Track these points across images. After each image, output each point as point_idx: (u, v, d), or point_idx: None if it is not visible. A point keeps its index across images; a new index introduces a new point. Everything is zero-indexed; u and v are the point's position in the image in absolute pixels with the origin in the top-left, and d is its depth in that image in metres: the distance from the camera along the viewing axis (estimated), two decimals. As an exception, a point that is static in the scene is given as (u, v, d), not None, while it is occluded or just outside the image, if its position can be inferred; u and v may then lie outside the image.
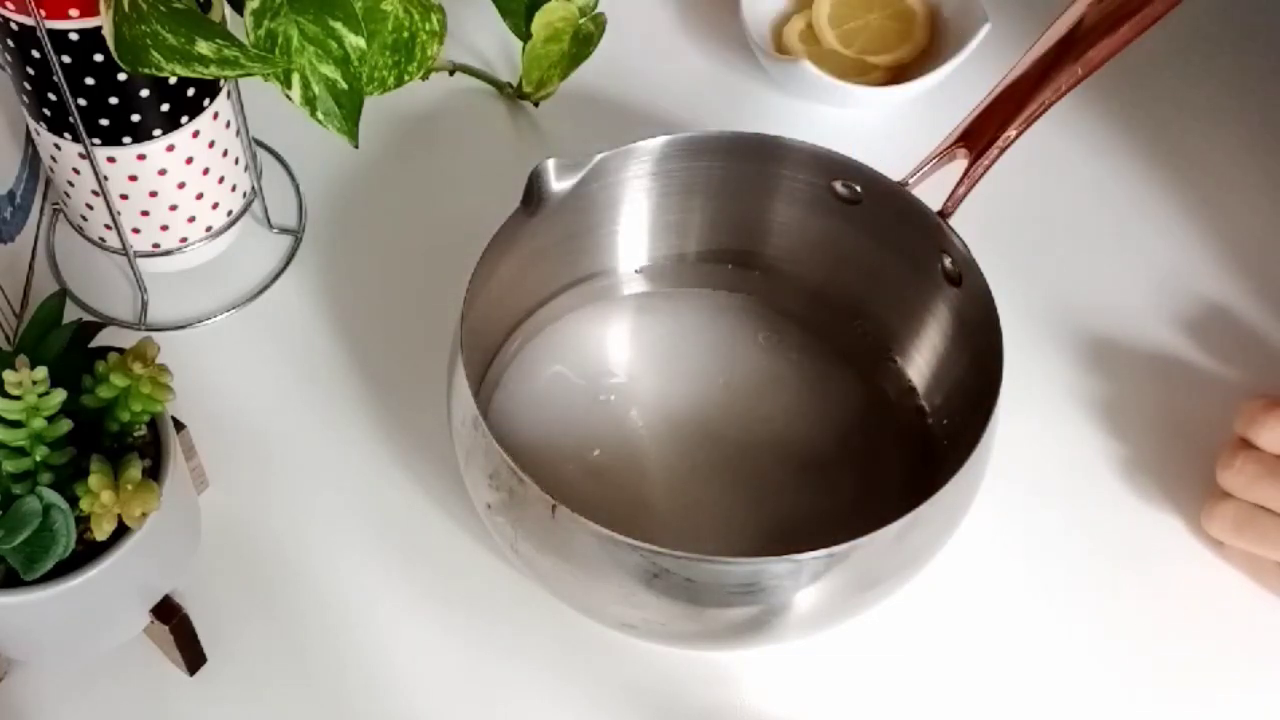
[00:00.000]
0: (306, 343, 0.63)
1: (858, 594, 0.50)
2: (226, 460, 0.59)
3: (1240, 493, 0.55)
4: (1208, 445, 0.58)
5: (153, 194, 0.59)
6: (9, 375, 0.44)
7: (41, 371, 0.45)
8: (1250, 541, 0.55)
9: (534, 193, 0.55)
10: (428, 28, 0.59)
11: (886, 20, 0.73)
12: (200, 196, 0.61)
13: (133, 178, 0.58)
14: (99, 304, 0.64)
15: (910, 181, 0.56)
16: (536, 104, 0.71)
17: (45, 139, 0.58)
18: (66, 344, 0.49)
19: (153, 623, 0.52)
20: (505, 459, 0.48)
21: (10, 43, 0.54)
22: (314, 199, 0.68)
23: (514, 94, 0.72)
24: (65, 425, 0.47)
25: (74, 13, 0.51)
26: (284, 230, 0.67)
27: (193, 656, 0.53)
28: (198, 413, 0.57)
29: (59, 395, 0.46)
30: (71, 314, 0.62)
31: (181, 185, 0.59)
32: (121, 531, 0.47)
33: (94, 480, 0.46)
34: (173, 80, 0.56)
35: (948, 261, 0.55)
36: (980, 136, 0.55)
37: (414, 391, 0.61)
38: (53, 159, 0.59)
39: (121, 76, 0.54)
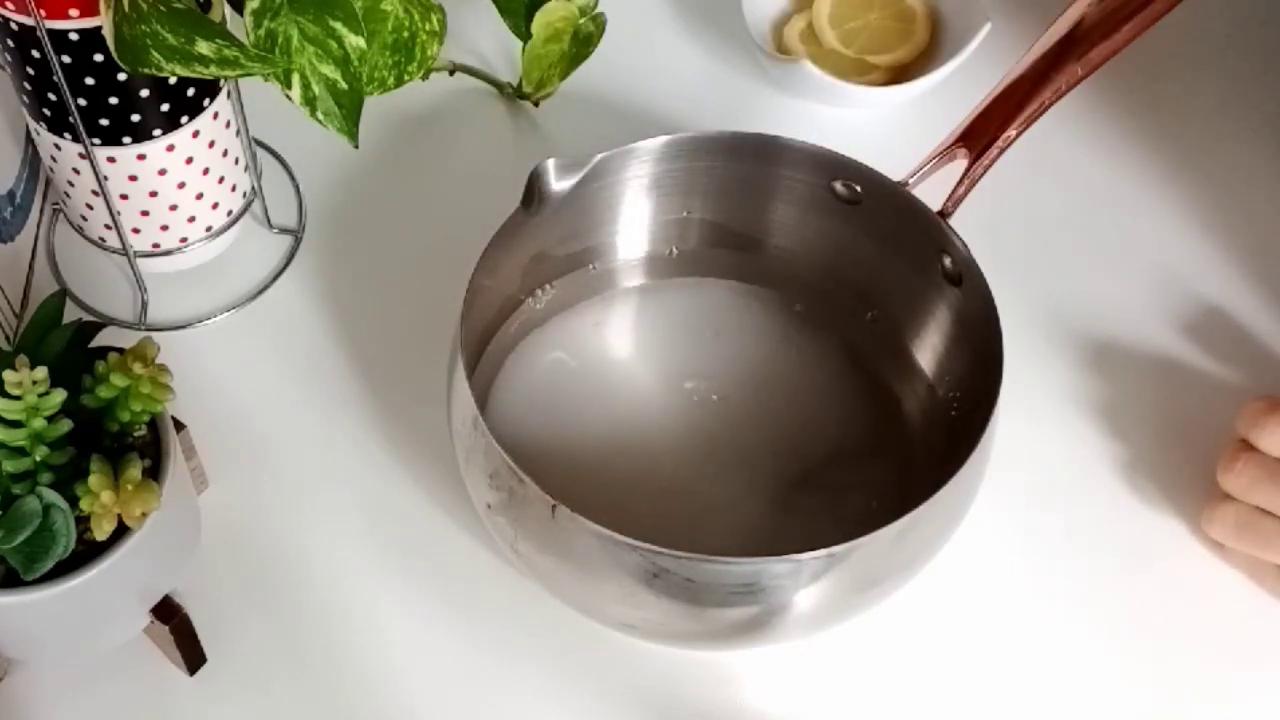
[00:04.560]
0: (306, 343, 0.63)
1: (858, 594, 0.50)
2: (226, 460, 0.59)
3: (1241, 495, 0.55)
4: (1208, 447, 0.58)
5: (153, 194, 0.59)
6: (9, 375, 0.44)
7: (41, 371, 0.45)
8: (1251, 544, 0.55)
9: (534, 193, 0.55)
10: (428, 28, 0.59)
11: (887, 20, 0.73)
12: (200, 196, 0.61)
13: (133, 178, 0.58)
14: (99, 304, 0.64)
15: (910, 181, 0.56)
16: (536, 104, 0.71)
17: (45, 139, 0.58)
18: (66, 344, 0.49)
19: (153, 623, 0.52)
20: (505, 459, 0.48)
21: (10, 43, 0.54)
22: (314, 199, 0.68)
23: (514, 94, 0.72)
24: (65, 425, 0.47)
25: (74, 13, 0.51)
26: (284, 230, 0.67)
27: (193, 656, 0.53)
28: (198, 413, 0.57)
29: (59, 395, 0.46)
30: (71, 314, 0.62)
31: (181, 185, 0.59)
32: (121, 531, 0.47)
33: (94, 480, 0.46)
34: (173, 80, 0.56)
35: (948, 261, 0.55)
36: (980, 136, 0.55)
37: (414, 391, 0.61)
38: (53, 159, 0.59)
39: (121, 76, 0.54)
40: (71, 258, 0.65)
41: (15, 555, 0.46)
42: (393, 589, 0.56)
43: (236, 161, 0.62)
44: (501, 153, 0.71)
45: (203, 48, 0.49)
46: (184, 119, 0.57)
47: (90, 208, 0.60)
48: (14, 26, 0.53)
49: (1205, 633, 0.56)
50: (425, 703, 0.54)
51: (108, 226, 0.60)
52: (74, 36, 0.52)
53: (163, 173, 0.58)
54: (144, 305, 0.63)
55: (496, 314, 0.59)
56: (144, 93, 0.55)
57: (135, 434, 0.50)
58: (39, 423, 0.46)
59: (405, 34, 0.58)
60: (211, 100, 0.58)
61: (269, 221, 0.66)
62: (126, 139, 0.56)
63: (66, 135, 0.57)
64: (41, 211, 0.66)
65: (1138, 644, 0.56)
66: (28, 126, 0.60)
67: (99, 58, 0.53)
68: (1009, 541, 0.58)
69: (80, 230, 0.62)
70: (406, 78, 0.60)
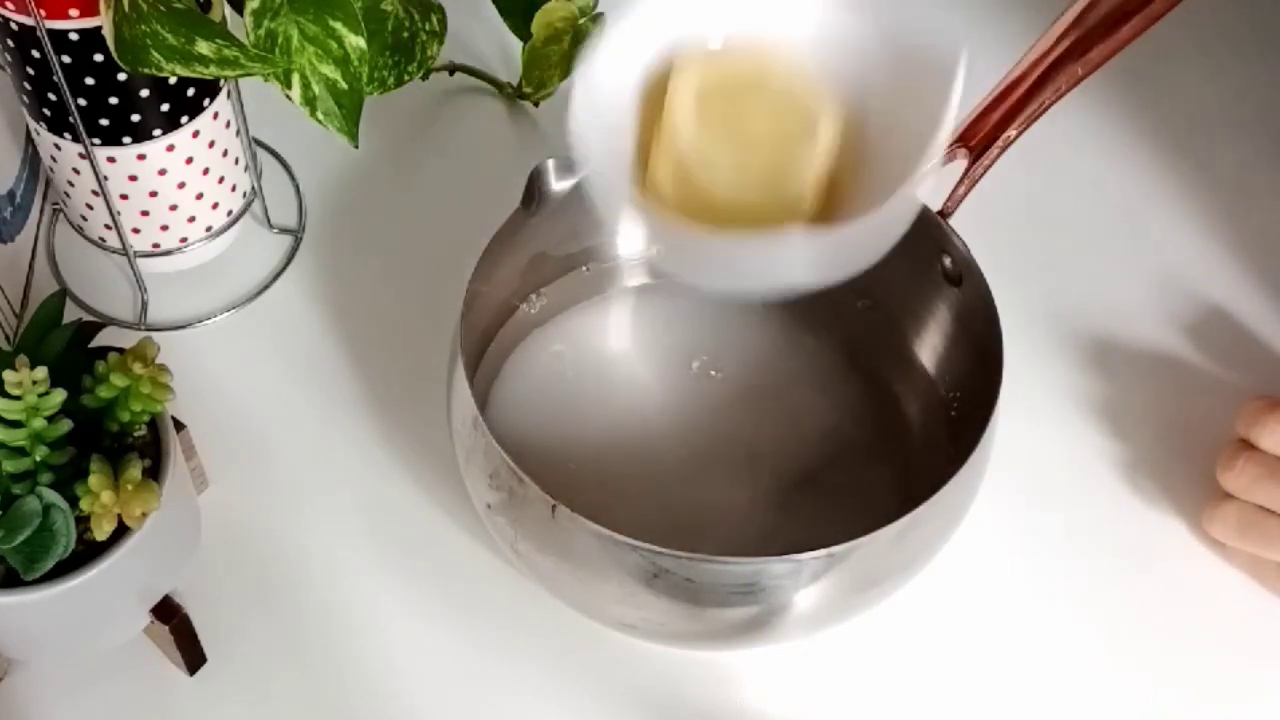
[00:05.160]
0: (306, 343, 0.63)
1: (858, 594, 0.50)
2: (226, 460, 0.59)
3: (1242, 494, 0.55)
4: (1209, 447, 0.58)
5: (153, 194, 0.59)
6: (9, 375, 0.44)
7: (41, 371, 0.45)
8: (1252, 543, 0.55)
9: (534, 192, 0.55)
10: (428, 28, 0.59)
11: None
12: (200, 196, 0.61)
13: (133, 178, 0.58)
14: (99, 304, 0.64)
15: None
16: (536, 104, 0.71)
17: (45, 139, 0.58)
18: (66, 344, 0.49)
19: (153, 623, 0.52)
20: (505, 459, 0.48)
21: (10, 43, 0.54)
22: (314, 199, 0.68)
23: (514, 94, 0.72)
24: (65, 425, 0.47)
25: (74, 13, 0.51)
26: (284, 230, 0.67)
27: (193, 656, 0.53)
28: (198, 413, 0.57)
29: (59, 395, 0.46)
30: (71, 314, 0.62)
31: (181, 185, 0.59)
32: (121, 531, 0.47)
33: (94, 480, 0.46)
34: (173, 80, 0.56)
35: (948, 261, 0.55)
36: (980, 136, 0.55)
37: (414, 391, 0.61)
38: (53, 159, 0.59)
39: (121, 76, 0.54)
40: (71, 258, 0.65)
41: (15, 555, 0.46)
42: (393, 589, 0.56)
43: (236, 161, 0.62)
44: (501, 153, 0.71)
45: (203, 48, 0.49)
46: (184, 119, 0.57)
47: (90, 208, 0.60)
48: (14, 26, 0.53)
49: (1207, 632, 0.56)
50: (425, 703, 0.54)
51: (108, 226, 0.60)
52: (74, 36, 0.52)
53: (163, 173, 0.58)
54: (144, 305, 0.63)
55: (496, 314, 0.59)
56: (144, 93, 0.55)
57: (135, 434, 0.50)
58: (39, 423, 0.46)
59: (405, 34, 0.58)
60: (211, 100, 0.58)
61: (269, 221, 0.66)
62: (126, 139, 0.56)
63: (66, 135, 0.57)
64: (41, 211, 0.66)
65: (1139, 644, 0.56)
66: (28, 126, 0.60)
67: (99, 58, 0.53)
68: (1009, 541, 0.58)
69: (80, 230, 0.62)
70: (406, 78, 0.60)
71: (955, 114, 0.44)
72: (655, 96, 0.45)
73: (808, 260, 0.42)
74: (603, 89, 0.44)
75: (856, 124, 0.46)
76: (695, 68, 0.44)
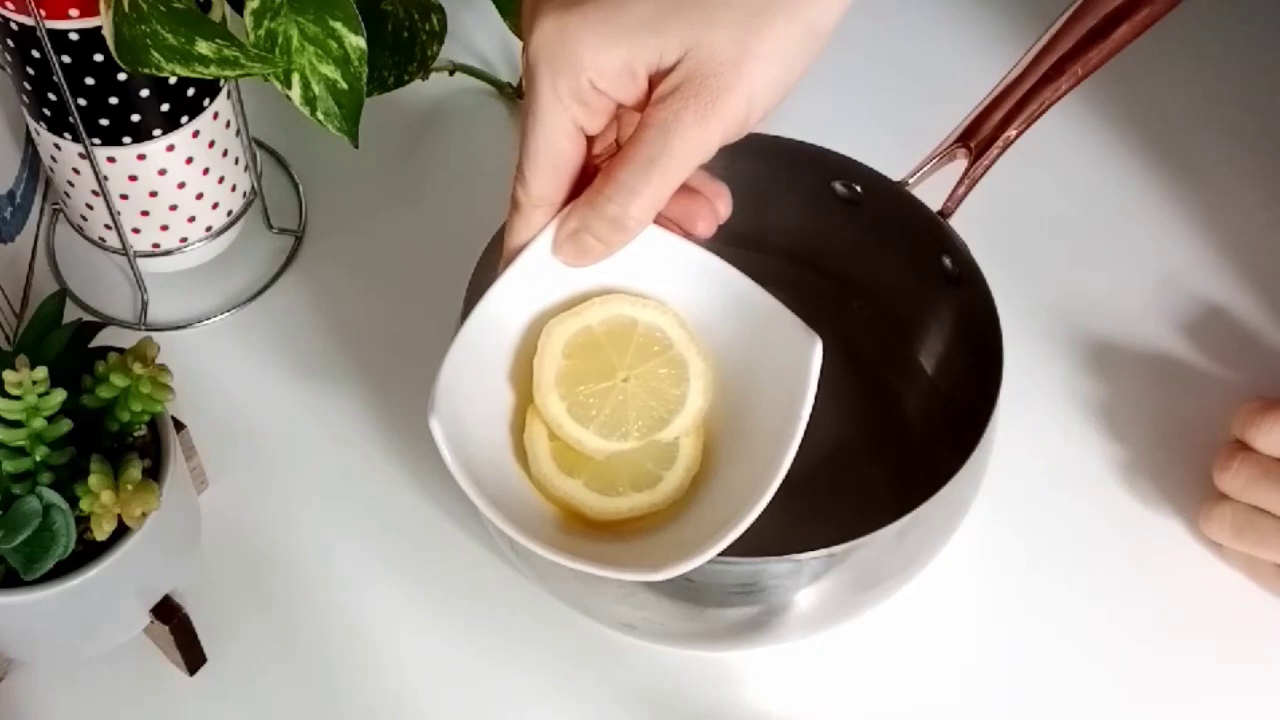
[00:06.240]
0: (306, 343, 0.63)
1: (858, 594, 0.50)
2: (226, 460, 0.59)
3: (1238, 495, 0.55)
4: (1206, 447, 0.58)
5: (153, 194, 0.59)
6: (9, 375, 0.44)
7: (41, 371, 0.45)
8: (1249, 544, 0.55)
9: (534, 193, 0.55)
10: (428, 28, 0.59)
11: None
12: (200, 196, 0.61)
13: (133, 178, 0.58)
14: (99, 304, 0.64)
15: (910, 181, 0.56)
16: (536, 104, 0.71)
17: (45, 139, 0.58)
18: (66, 344, 0.49)
19: (153, 623, 0.52)
20: (505, 459, 0.48)
21: (10, 43, 0.54)
22: (314, 199, 0.68)
23: (514, 94, 0.72)
24: (65, 425, 0.47)
25: (74, 13, 0.51)
26: (284, 230, 0.67)
27: (193, 656, 0.53)
28: (198, 413, 0.57)
29: (59, 395, 0.46)
30: (71, 314, 0.62)
31: (181, 185, 0.59)
32: (121, 531, 0.47)
33: (94, 480, 0.46)
34: (173, 80, 0.56)
35: (948, 261, 0.55)
36: (980, 136, 0.55)
37: (414, 391, 0.61)
38: (53, 159, 0.59)
39: (121, 76, 0.54)
40: (71, 258, 0.65)
41: (15, 555, 0.46)
42: (392, 589, 0.56)
43: (236, 161, 0.62)
44: (501, 153, 0.71)
45: (203, 48, 0.49)
46: (184, 119, 0.57)
47: (90, 208, 0.60)
48: (14, 26, 0.53)
49: (1203, 631, 0.56)
50: (425, 702, 0.54)
51: (108, 226, 0.60)
52: (74, 36, 0.52)
53: (163, 173, 0.58)
54: (144, 305, 0.63)
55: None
56: (144, 93, 0.55)
57: (135, 434, 0.50)
58: (39, 423, 0.46)
59: (405, 34, 0.58)
60: (211, 100, 0.58)
61: (269, 221, 0.66)
62: (126, 139, 0.56)
63: (66, 135, 0.57)
64: (41, 211, 0.66)
65: (1137, 644, 0.56)
66: (28, 126, 0.60)
67: (99, 58, 0.53)
68: (1009, 541, 0.58)
69: (80, 230, 0.62)
70: (406, 78, 0.60)
71: (805, 419, 0.45)
72: (525, 363, 0.46)
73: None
74: (472, 364, 0.46)
75: (728, 381, 0.47)
76: (562, 327, 0.46)
